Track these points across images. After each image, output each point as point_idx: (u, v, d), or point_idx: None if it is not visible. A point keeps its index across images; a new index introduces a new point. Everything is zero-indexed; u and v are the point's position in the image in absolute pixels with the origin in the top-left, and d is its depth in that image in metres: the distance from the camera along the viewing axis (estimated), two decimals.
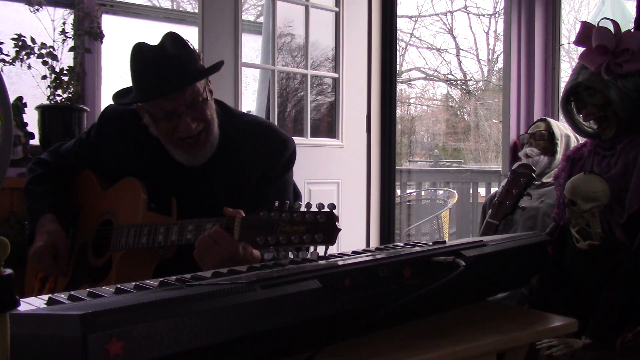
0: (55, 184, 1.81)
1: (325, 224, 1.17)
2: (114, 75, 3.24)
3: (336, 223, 1.18)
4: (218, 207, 1.42)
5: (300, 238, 1.17)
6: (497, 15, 12.47)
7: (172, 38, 1.57)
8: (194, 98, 1.54)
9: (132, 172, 1.68)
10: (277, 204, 1.21)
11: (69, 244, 1.71)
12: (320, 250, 1.19)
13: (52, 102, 2.98)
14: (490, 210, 1.94)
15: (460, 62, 13.34)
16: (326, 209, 1.17)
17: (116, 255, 1.59)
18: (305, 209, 1.18)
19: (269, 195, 1.61)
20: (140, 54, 1.56)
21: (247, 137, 1.67)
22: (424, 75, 13.47)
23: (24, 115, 2.97)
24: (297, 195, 1.82)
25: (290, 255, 1.19)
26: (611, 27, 1.77)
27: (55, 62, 2.97)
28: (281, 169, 1.68)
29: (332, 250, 1.22)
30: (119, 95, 1.66)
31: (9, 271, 0.67)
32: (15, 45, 2.86)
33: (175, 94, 1.52)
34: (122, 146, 1.72)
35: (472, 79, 13.45)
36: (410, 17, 12.73)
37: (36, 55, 2.91)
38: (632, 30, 1.82)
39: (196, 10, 3.58)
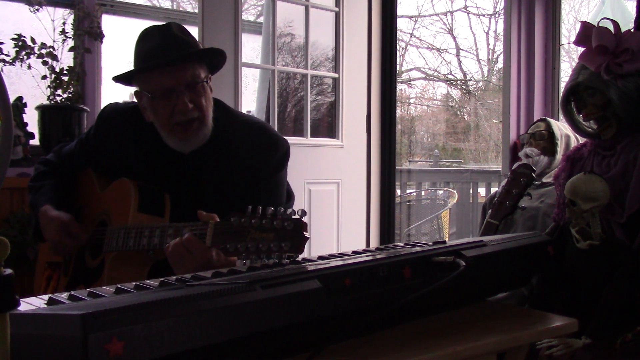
0: (55, 180, 1.83)
1: (292, 232, 1.13)
2: (114, 75, 3.24)
3: (304, 232, 1.13)
4: (207, 199, 1.42)
5: (268, 246, 1.13)
6: (497, 15, 12.48)
7: (177, 24, 1.64)
8: (193, 79, 1.58)
9: (129, 168, 1.69)
10: (249, 208, 1.18)
11: (75, 220, 1.71)
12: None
13: (52, 102, 2.98)
14: (490, 210, 1.94)
15: (460, 62, 13.35)
16: (296, 216, 1.13)
17: (108, 257, 1.59)
18: (276, 215, 1.15)
19: (259, 195, 1.63)
20: (146, 34, 1.62)
21: (240, 135, 1.69)
22: (424, 75, 13.48)
23: (24, 115, 2.97)
24: (290, 195, 1.83)
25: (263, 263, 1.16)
26: (611, 27, 1.77)
27: (55, 62, 2.97)
28: (272, 169, 1.69)
29: (332, 250, 1.21)
30: (118, 77, 1.67)
31: (9, 271, 0.67)
32: (15, 45, 2.85)
33: (176, 70, 1.55)
34: (119, 143, 1.74)
35: (472, 79, 13.46)
36: (410, 17, 12.74)
37: (36, 55, 2.91)
38: (632, 30, 1.82)
39: (196, 10, 3.58)
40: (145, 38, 1.62)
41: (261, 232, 1.15)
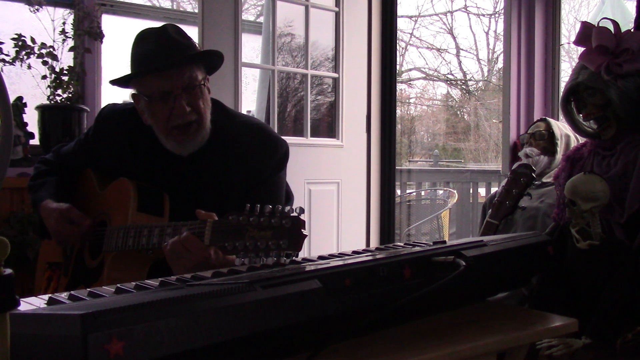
0: (56, 177, 1.84)
1: (290, 230, 1.13)
2: (114, 75, 3.25)
3: (302, 229, 1.13)
4: (206, 200, 1.43)
5: (266, 244, 1.14)
6: (497, 15, 12.48)
7: (173, 26, 1.63)
8: (190, 81, 1.57)
9: (127, 168, 1.70)
10: (247, 207, 1.18)
11: (74, 208, 1.72)
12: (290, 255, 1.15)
13: (52, 102, 2.98)
14: (490, 210, 1.94)
15: (460, 62, 13.35)
16: (294, 214, 1.14)
17: (108, 257, 1.59)
18: (274, 213, 1.15)
19: (259, 195, 1.63)
20: (143, 37, 1.61)
21: (240, 136, 1.69)
22: (424, 75, 13.48)
23: (24, 115, 2.97)
24: (289, 196, 1.83)
25: (261, 262, 1.16)
26: (611, 27, 1.77)
27: (55, 62, 2.97)
28: (271, 170, 1.69)
29: (332, 250, 1.21)
30: (115, 80, 1.67)
31: (9, 271, 0.67)
32: (15, 45, 2.85)
33: (173, 73, 1.55)
34: (118, 144, 1.74)
35: (472, 79, 13.46)
36: (410, 17, 12.74)
37: (36, 55, 2.91)
38: (632, 30, 1.82)
39: (196, 10, 3.58)
40: (141, 41, 1.61)
41: (259, 230, 1.15)
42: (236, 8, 3.16)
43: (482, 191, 6.43)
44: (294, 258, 1.16)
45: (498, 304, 1.31)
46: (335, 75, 3.63)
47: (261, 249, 1.15)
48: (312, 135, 3.58)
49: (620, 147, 1.77)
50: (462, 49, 13.14)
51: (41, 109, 2.96)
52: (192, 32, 3.42)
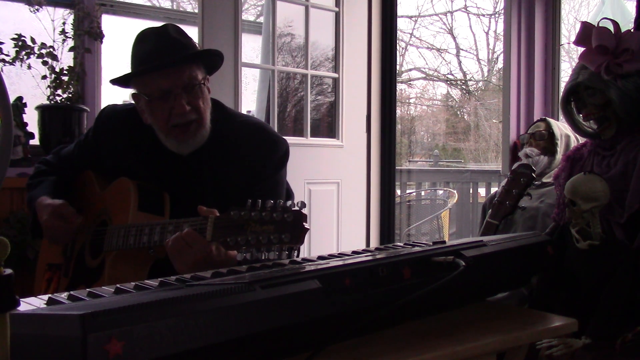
0: (55, 177, 1.84)
1: (292, 224, 1.14)
2: (114, 75, 3.25)
3: (304, 223, 1.15)
4: (207, 200, 1.43)
5: (269, 238, 1.14)
6: (497, 15, 12.48)
7: (174, 26, 1.65)
8: (190, 81, 1.58)
9: (128, 168, 1.70)
10: (249, 202, 1.19)
11: (68, 205, 1.71)
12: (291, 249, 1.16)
13: (52, 102, 2.98)
14: (490, 210, 1.94)
15: (460, 62, 13.35)
16: (295, 208, 1.15)
17: (109, 256, 1.59)
18: (275, 207, 1.16)
19: (259, 195, 1.63)
20: (143, 36, 1.62)
21: (239, 135, 1.70)
22: (424, 75, 13.47)
23: (24, 115, 2.97)
24: (289, 195, 1.84)
25: (263, 256, 1.17)
26: (611, 27, 1.77)
27: (55, 62, 2.97)
28: (272, 169, 1.69)
29: (332, 250, 1.21)
30: (116, 79, 1.68)
31: (9, 271, 0.67)
32: (15, 45, 2.85)
33: (173, 72, 1.56)
34: (118, 145, 1.75)
35: (472, 79, 13.46)
36: (410, 17, 12.74)
37: (36, 55, 2.91)
38: (632, 30, 1.82)
39: (196, 10, 3.58)
40: (142, 40, 1.62)
41: (261, 225, 1.16)
42: (236, 8, 3.16)
43: (482, 191, 6.43)
44: (294, 257, 1.16)
45: (498, 304, 1.31)
46: (335, 75, 3.63)
47: (263, 243, 1.15)
48: (312, 135, 3.58)
49: (620, 147, 1.77)
50: (462, 49, 13.15)
51: (41, 109, 2.96)
52: (192, 32, 3.42)
